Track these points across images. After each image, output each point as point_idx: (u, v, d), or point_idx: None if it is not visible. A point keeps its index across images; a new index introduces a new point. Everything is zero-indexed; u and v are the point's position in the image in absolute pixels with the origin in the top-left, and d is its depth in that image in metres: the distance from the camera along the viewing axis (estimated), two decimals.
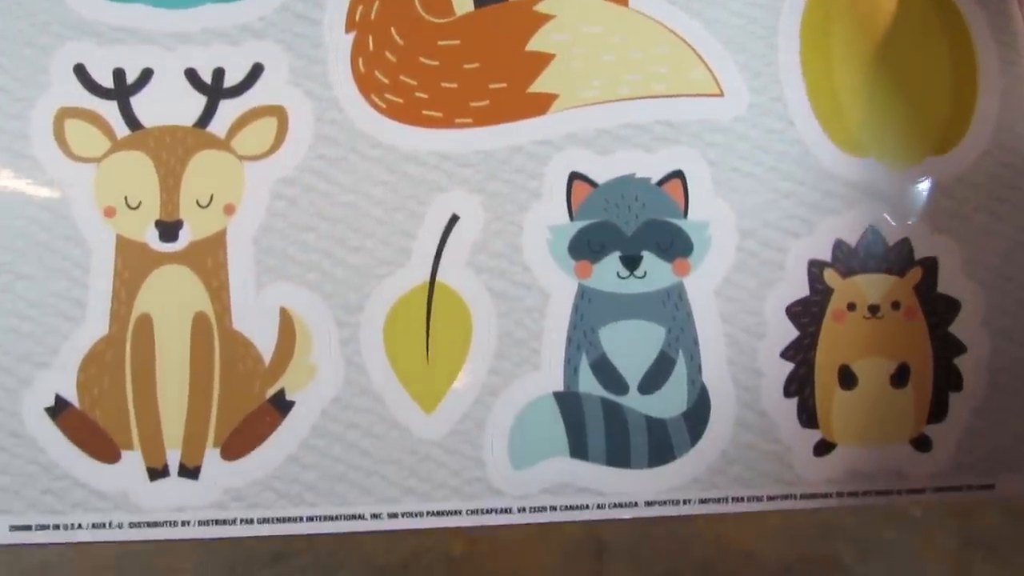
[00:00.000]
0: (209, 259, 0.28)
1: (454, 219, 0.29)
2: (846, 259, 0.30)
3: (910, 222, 0.30)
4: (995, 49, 0.32)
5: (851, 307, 0.30)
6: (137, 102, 0.29)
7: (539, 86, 0.30)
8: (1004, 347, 0.30)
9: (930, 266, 0.30)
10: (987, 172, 0.31)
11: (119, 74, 0.29)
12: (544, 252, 0.29)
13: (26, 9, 0.29)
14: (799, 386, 0.30)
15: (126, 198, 0.28)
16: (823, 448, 0.30)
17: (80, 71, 0.29)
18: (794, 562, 0.31)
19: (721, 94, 0.30)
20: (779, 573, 0.30)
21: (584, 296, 0.29)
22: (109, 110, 0.28)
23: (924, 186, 0.31)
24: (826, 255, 0.30)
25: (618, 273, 0.29)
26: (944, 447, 0.30)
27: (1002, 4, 0.32)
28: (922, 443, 0.30)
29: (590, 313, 0.29)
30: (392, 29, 0.30)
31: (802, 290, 0.30)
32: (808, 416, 0.30)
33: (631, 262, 0.29)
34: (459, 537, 0.30)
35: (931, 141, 0.31)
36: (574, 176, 0.30)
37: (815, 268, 0.30)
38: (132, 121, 0.28)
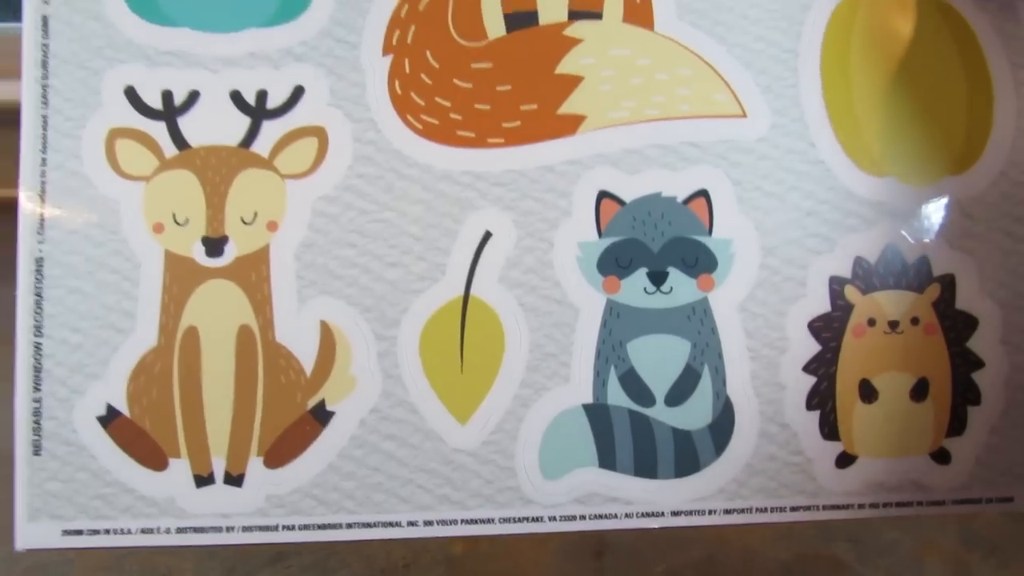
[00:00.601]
0: (253, 274, 0.29)
1: (487, 236, 0.30)
2: (866, 276, 0.31)
3: (928, 240, 0.31)
4: (1009, 71, 0.32)
5: (871, 322, 0.31)
6: (184, 123, 0.30)
7: (568, 107, 0.31)
8: (1022, 363, 0.31)
9: (948, 283, 0.31)
10: (1003, 192, 0.32)
11: (167, 96, 0.30)
12: (574, 268, 0.30)
13: (80, 33, 0.30)
14: (821, 399, 0.30)
15: (174, 215, 0.29)
16: (844, 460, 0.30)
17: (130, 93, 0.30)
18: (794, 561, 0.31)
19: (744, 115, 0.31)
20: (779, 572, 0.31)
21: (612, 311, 0.30)
22: (158, 130, 0.29)
23: (942, 205, 0.31)
24: (847, 272, 0.31)
25: (645, 289, 0.30)
26: (963, 460, 0.31)
27: (1016, 27, 0.33)
28: (941, 456, 0.31)
29: (618, 327, 0.30)
30: (427, 52, 0.31)
31: (824, 306, 0.31)
32: (830, 429, 0.30)
33: (658, 278, 0.30)
34: (459, 537, 0.30)
35: (949, 161, 0.32)
36: (602, 194, 0.30)
37: (836, 284, 0.31)
38: (180, 141, 0.29)
